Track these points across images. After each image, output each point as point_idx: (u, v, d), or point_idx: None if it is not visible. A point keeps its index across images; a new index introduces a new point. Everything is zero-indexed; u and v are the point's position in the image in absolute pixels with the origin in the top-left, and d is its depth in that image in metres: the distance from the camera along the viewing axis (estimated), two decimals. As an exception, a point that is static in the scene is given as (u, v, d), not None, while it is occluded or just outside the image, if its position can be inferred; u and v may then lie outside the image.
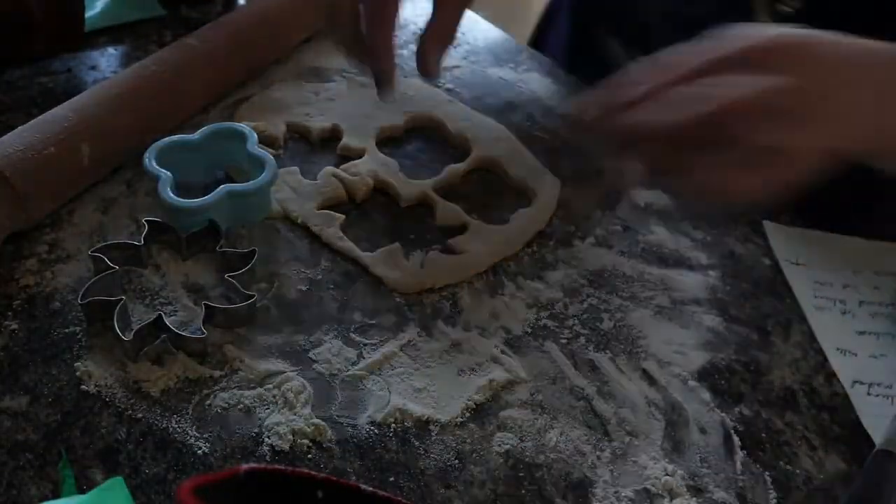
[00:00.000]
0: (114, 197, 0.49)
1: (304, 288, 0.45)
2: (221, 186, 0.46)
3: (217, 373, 0.40)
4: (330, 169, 0.53)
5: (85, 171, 0.47)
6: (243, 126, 0.50)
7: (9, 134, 0.45)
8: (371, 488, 0.31)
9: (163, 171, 0.46)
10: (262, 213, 0.49)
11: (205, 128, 0.50)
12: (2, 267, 0.43)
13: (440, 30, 0.49)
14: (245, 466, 0.28)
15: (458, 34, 0.49)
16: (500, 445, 0.40)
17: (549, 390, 0.43)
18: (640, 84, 0.39)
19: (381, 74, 0.48)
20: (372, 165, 0.53)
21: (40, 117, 0.47)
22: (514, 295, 0.47)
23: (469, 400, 0.41)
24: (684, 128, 0.38)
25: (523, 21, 0.96)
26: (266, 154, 0.48)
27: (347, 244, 0.48)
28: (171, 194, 0.45)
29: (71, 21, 0.59)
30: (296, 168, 0.52)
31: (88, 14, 0.62)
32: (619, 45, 0.54)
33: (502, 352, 0.44)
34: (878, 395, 0.47)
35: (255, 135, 0.50)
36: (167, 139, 0.48)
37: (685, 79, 0.37)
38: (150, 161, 0.47)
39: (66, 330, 0.41)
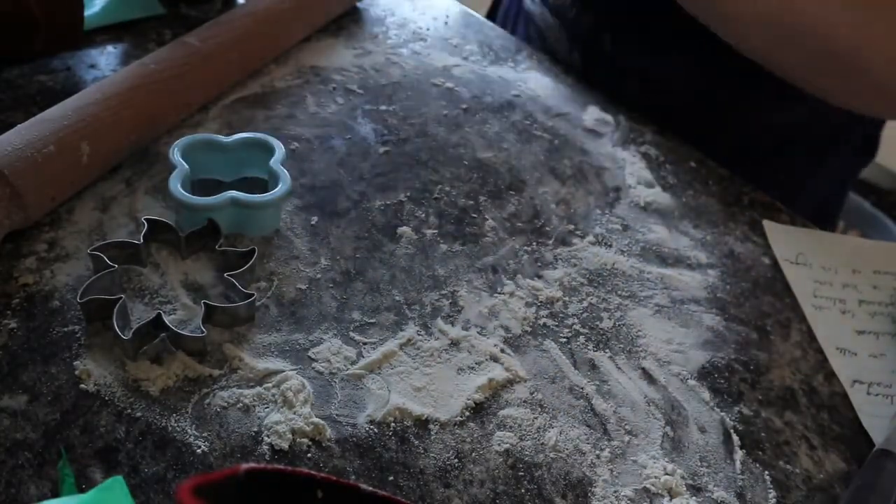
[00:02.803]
0: (113, 195, 0.49)
1: (303, 287, 0.45)
2: (227, 192, 0.46)
3: (216, 372, 0.40)
4: None
5: (84, 170, 0.47)
6: (276, 142, 0.50)
7: (8, 132, 0.45)
8: (370, 488, 0.31)
9: (183, 163, 0.46)
10: (268, 227, 0.48)
11: (239, 135, 0.50)
12: (1, 265, 0.43)
13: None
14: (244, 466, 0.28)
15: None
16: (499, 444, 0.40)
17: (548, 389, 0.43)
18: None
19: None
20: None
21: (39, 115, 0.47)
22: (514, 293, 0.47)
23: (468, 399, 0.41)
24: None
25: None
26: (284, 173, 0.47)
27: None
28: (179, 186, 0.45)
29: (70, 19, 0.58)
30: None
31: (88, 12, 0.62)
32: None
33: (502, 350, 0.44)
34: (877, 395, 0.47)
35: (283, 151, 0.49)
36: (197, 136, 0.48)
37: None
38: (174, 153, 0.47)
39: (65, 329, 0.41)
